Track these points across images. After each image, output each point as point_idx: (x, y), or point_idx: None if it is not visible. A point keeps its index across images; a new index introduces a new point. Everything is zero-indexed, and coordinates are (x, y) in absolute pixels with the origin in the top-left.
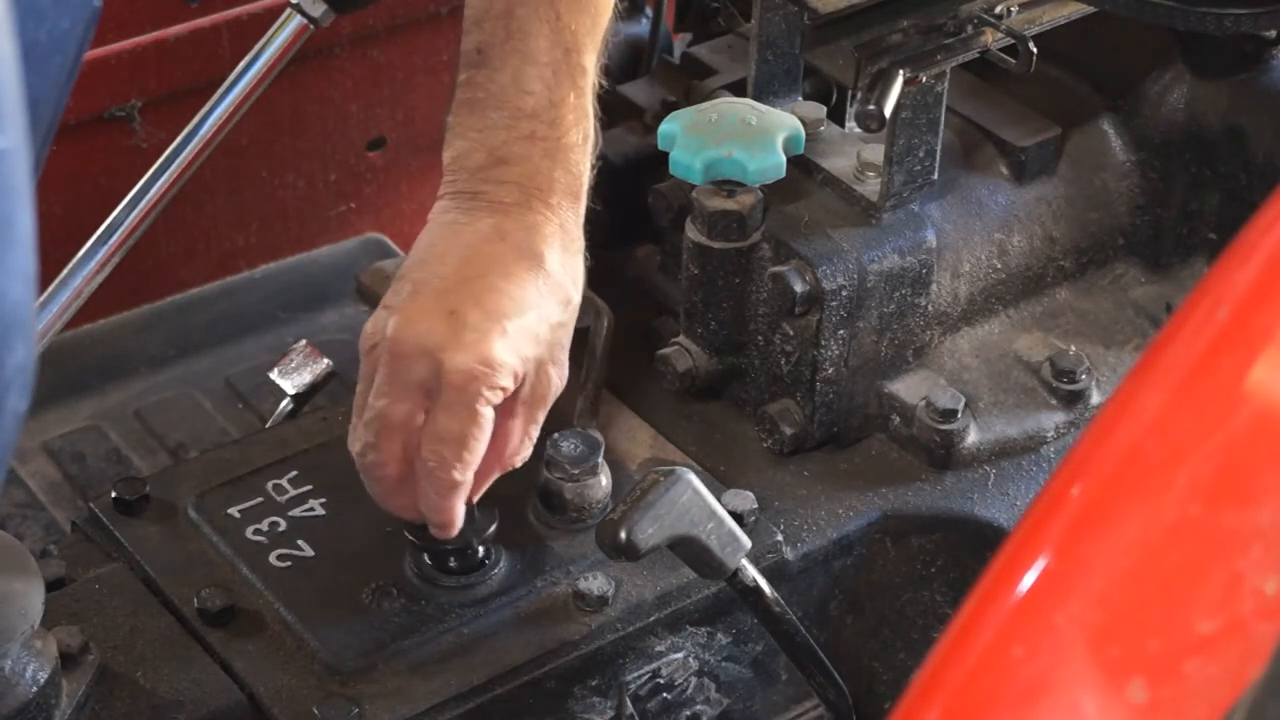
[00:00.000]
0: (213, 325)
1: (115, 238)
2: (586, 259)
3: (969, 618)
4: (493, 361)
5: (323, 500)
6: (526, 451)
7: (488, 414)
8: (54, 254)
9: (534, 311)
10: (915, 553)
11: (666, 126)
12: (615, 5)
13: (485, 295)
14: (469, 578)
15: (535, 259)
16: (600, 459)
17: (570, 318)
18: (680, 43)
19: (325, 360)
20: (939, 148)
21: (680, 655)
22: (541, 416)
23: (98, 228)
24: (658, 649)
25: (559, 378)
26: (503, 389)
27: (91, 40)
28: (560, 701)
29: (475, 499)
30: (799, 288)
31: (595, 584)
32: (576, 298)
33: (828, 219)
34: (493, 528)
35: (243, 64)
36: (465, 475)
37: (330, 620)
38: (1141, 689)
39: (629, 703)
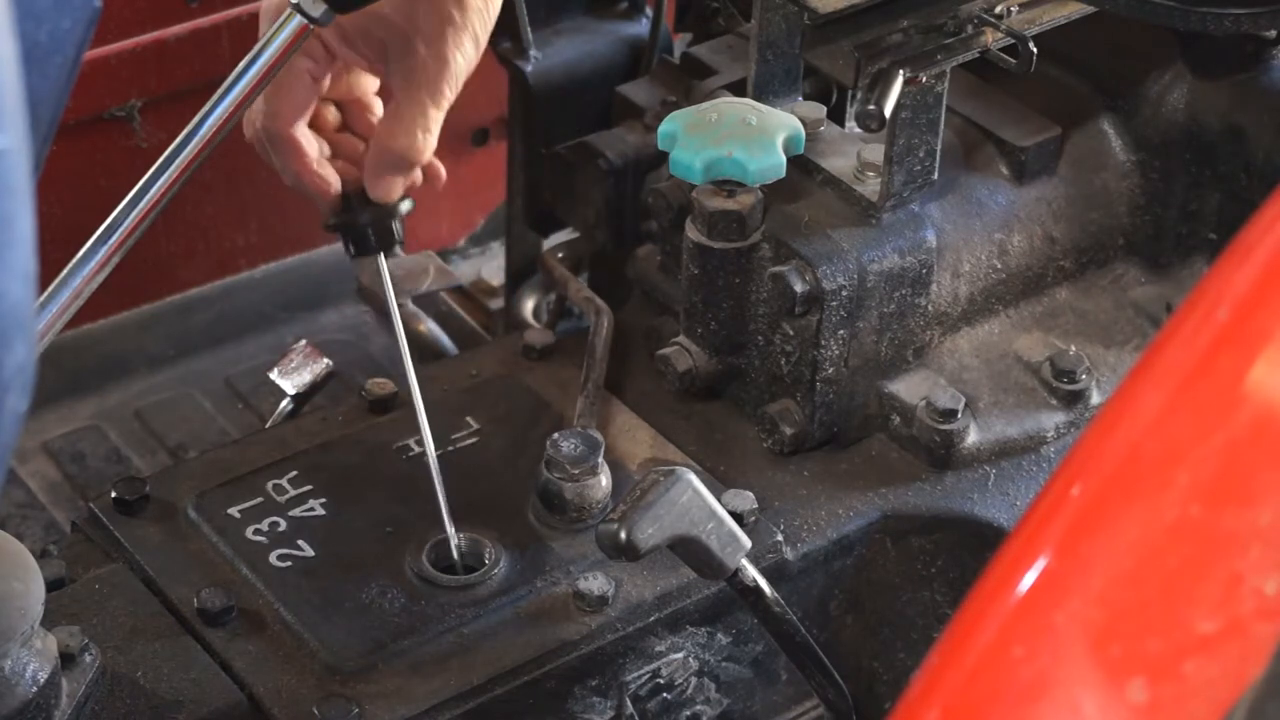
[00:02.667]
0: (213, 325)
1: (115, 238)
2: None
3: (969, 618)
4: None
5: (323, 500)
6: (414, 141)
7: (296, 60)
8: (54, 254)
9: None
10: (915, 553)
11: (666, 126)
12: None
13: None
14: (469, 577)
15: None
16: (600, 459)
17: (456, 18)
18: (680, 43)
19: (325, 360)
20: (939, 148)
21: (680, 655)
22: (420, 106)
23: (98, 228)
24: (658, 649)
25: (429, 55)
26: (306, 25)
27: (91, 40)
28: (560, 701)
29: (382, 195)
30: (799, 288)
31: (595, 584)
32: None
33: (828, 219)
34: (397, 214)
35: (243, 64)
36: (276, 124)
37: (330, 620)
38: (1141, 689)
39: (629, 703)
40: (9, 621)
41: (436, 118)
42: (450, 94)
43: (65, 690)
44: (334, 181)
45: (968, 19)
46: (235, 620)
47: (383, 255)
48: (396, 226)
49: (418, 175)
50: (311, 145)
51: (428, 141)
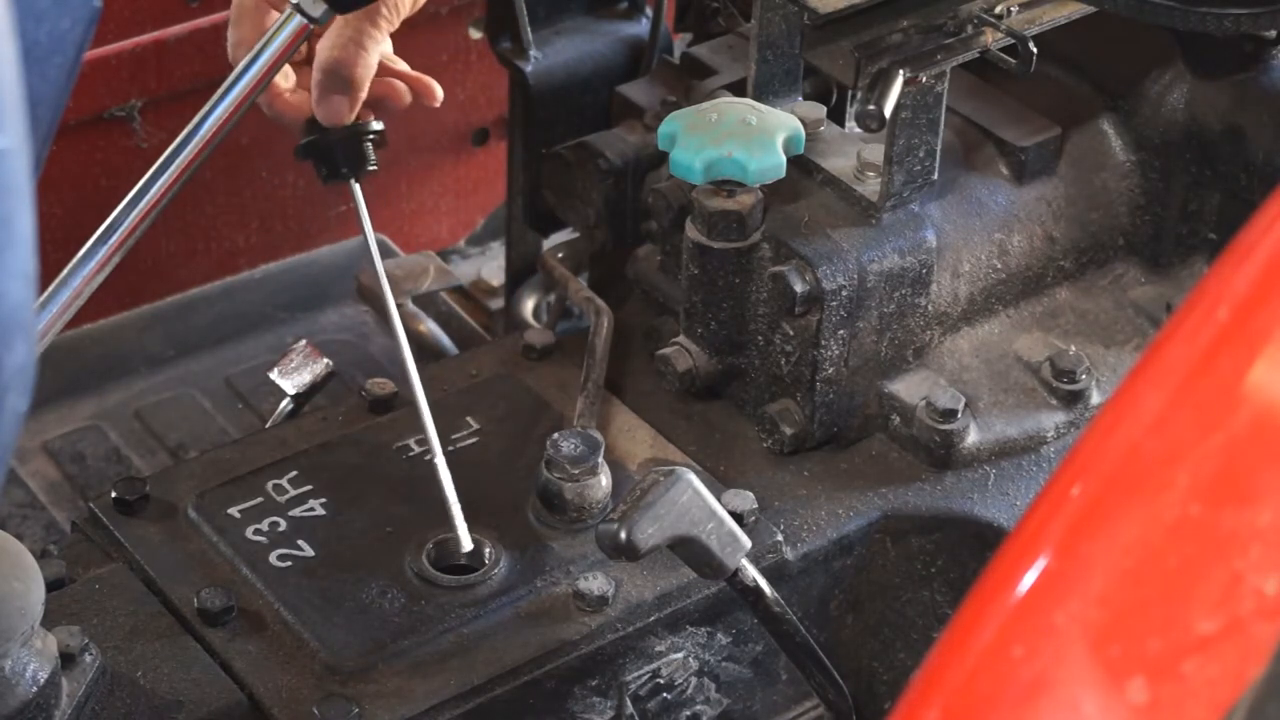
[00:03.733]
0: (213, 325)
1: (115, 238)
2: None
3: (969, 618)
4: None
5: (323, 500)
6: (348, 56)
7: None
8: (54, 254)
9: None
10: (915, 553)
11: (666, 126)
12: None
13: None
14: (469, 577)
15: None
16: (600, 459)
17: None
18: (680, 43)
19: (325, 360)
20: (939, 148)
21: (680, 655)
22: (356, 24)
23: (98, 228)
24: (658, 649)
25: None
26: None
27: (91, 40)
28: (560, 701)
29: (326, 116)
30: (799, 288)
31: (595, 584)
32: None
33: (828, 219)
34: (367, 135)
35: (243, 64)
36: (241, 53)
37: (330, 620)
38: (1141, 689)
39: (629, 703)
40: (9, 621)
41: (374, 35)
42: (391, 15)
43: (65, 690)
44: (306, 108)
45: (968, 19)
46: (235, 620)
47: (356, 183)
48: (368, 149)
49: (406, 94)
50: (287, 76)
51: (363, 59)
